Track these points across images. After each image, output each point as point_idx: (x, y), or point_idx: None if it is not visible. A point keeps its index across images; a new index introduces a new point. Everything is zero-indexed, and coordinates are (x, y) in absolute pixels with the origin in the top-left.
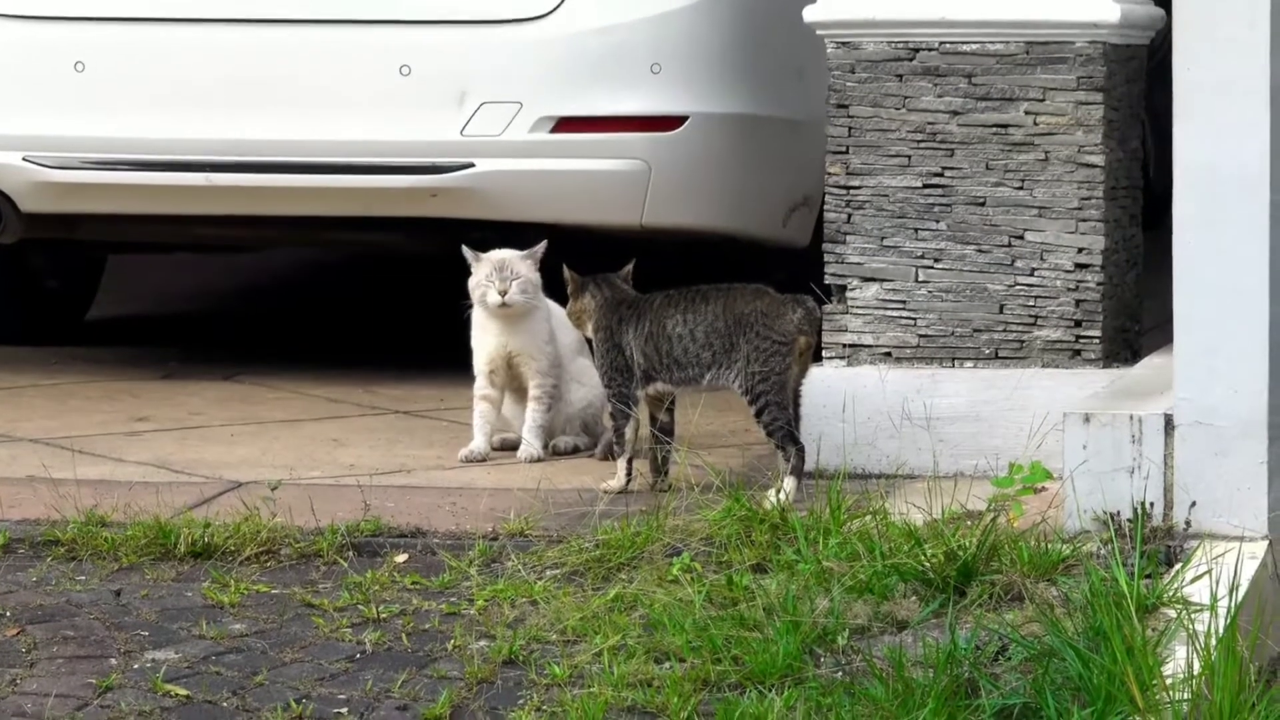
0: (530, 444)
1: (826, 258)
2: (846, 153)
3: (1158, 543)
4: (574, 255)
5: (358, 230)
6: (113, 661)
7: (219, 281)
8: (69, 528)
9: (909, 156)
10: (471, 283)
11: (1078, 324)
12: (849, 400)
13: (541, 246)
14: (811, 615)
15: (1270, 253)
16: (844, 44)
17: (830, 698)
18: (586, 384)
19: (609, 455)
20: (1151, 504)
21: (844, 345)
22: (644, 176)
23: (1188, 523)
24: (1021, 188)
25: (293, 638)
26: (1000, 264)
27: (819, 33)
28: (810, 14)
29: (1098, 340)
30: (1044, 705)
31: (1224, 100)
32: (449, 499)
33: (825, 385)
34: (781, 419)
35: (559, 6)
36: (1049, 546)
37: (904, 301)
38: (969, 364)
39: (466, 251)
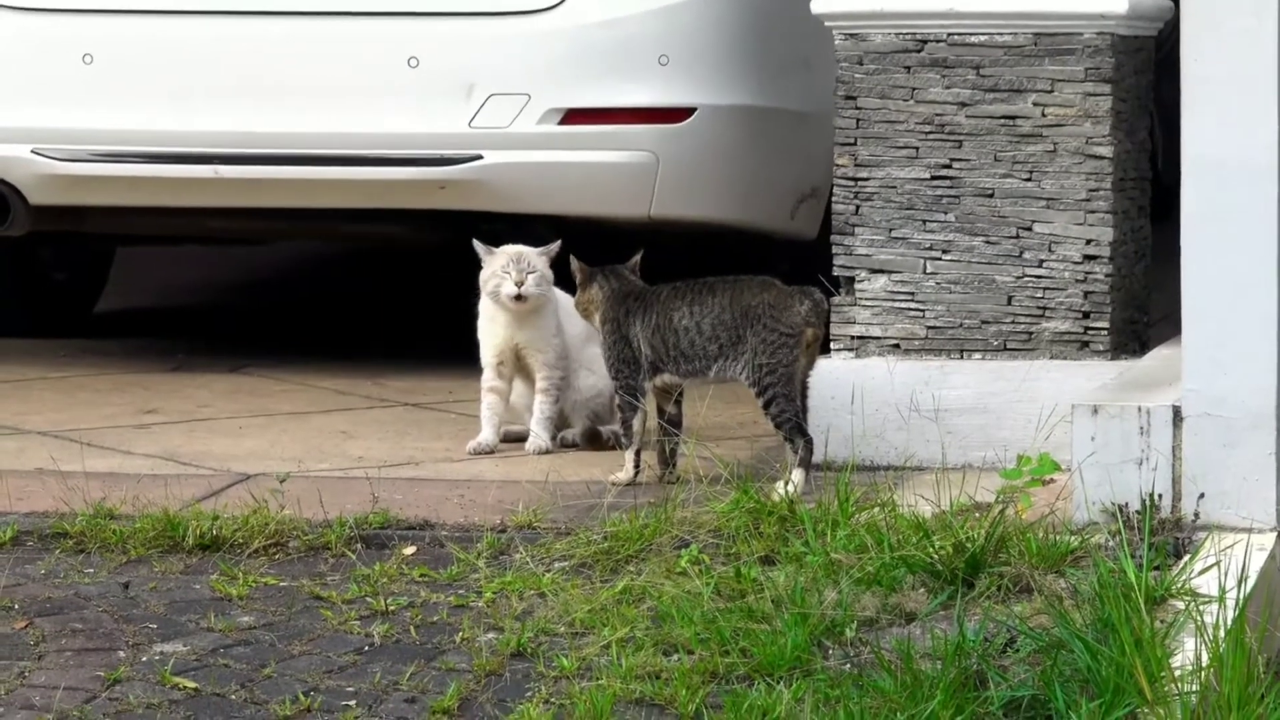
0: (538, 436)
1: (834, 249)
2: (854, 144)
3: (1166, 534)
4: (581, 247)
5: (365, 222)
6: (121, 654)
7: (226, 274)
8: (77, 520)
9: (917, 148)
10: (484, 275)
11: (1086, 316)
12: (857, 392)
13: (556, 245)
14: (820, 607)
15: (1279, 244)
16: (852, 35)
17: (838, 689)
18: (597, 372)
19: (597, 441)
20: (1160, 496)
21: (852, 337)
22: (652, 168)
23: (1196, 514)
24: (1030, 179)
25: (301, 630)
26: (1008, 255)
27: (827, 24)
28: (818, 5)
29: (1106, 332)
30: (1052, 697)
31: (1232, 92)
32: (457, 491)
33: (833, 377)
34: (789, 411)
35: None
36: (1057, 538)
37: (912, 293)
38: (977, 356)
39: (478, 245)
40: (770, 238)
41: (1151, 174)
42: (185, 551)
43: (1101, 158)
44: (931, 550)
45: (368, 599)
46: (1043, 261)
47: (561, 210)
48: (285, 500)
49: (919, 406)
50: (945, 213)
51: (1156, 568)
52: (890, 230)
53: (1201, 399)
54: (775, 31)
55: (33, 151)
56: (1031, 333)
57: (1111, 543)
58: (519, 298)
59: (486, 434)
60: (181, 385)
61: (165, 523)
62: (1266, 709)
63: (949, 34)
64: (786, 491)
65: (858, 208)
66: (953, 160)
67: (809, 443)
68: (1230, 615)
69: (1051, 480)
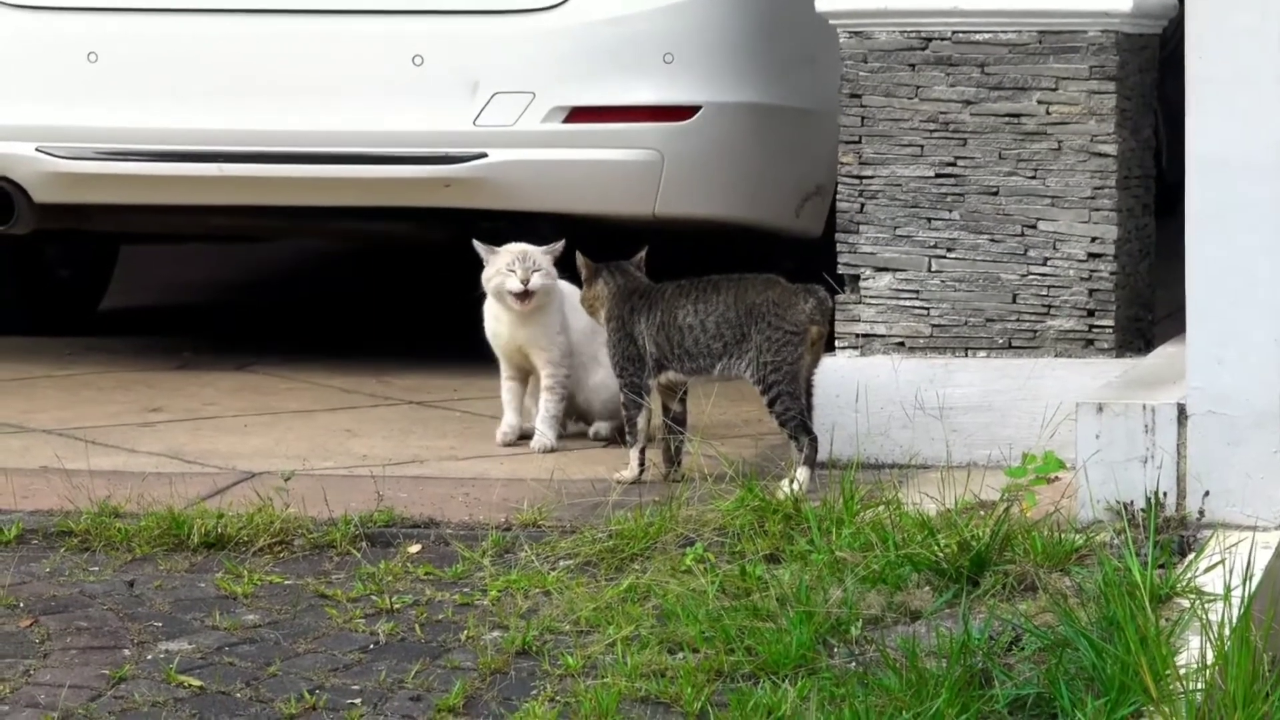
0: (543, 434)
1: (839, 247)
2: (859, 142)
3: (1171, 532)
4: (585, 245)
5: (370, 220)
6: (126, 652)
7: (231, 272)
8: (82, 518)
9: (922, 146)
10: (487, 273)
11: (1091, 313)
12: (862, 390)
13: (560, 244)
14: (825, 605)
15: None
16: (857, 33)
17: (844, 688)
18: (605, 363)
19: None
20: (1165, 494)
21: (857, 335)
22: (657, 166)
23: (1201, 512)
24: (1034, 177)
25: (306, 628)
26: (1013, 253)
27: (831, 22)
28: (823, 3)
29: (1110, 330)
30: (1057, 695)
31: (1236, 90)
32: (462, 489)
33: (838, 375)
34: (794, 409)
35: None
36: (1062, 536)
37: (917, 291)
38: (982, 354)
39: (478, 245)
40: (775, 236)
41: (1155, 171)
42: (190, 550)
43: (1106, 156)
44: (936, 548)
45: (373, 597)
46: (1047, 259)
47: (566, 208)
48: (290, 498)
49: (924, 404)
50: (950, 211)
51: (1161, 566)
52: (895, 228)
53: (1206, 397)
54: (780, 29)
55: (37, 149)
56: (1036, 331)
57: (1116, 541)
58: (525, 296)
59: (509, 418)
60: (186, 383)
61: (170, 521)
62: (1271, 707)
63: (953, 32)
64: (791, 490)
65: (862, 206)
66: (957, 158)
67: (814, 441)
68: (1235, 613)
69: (1056, 478)
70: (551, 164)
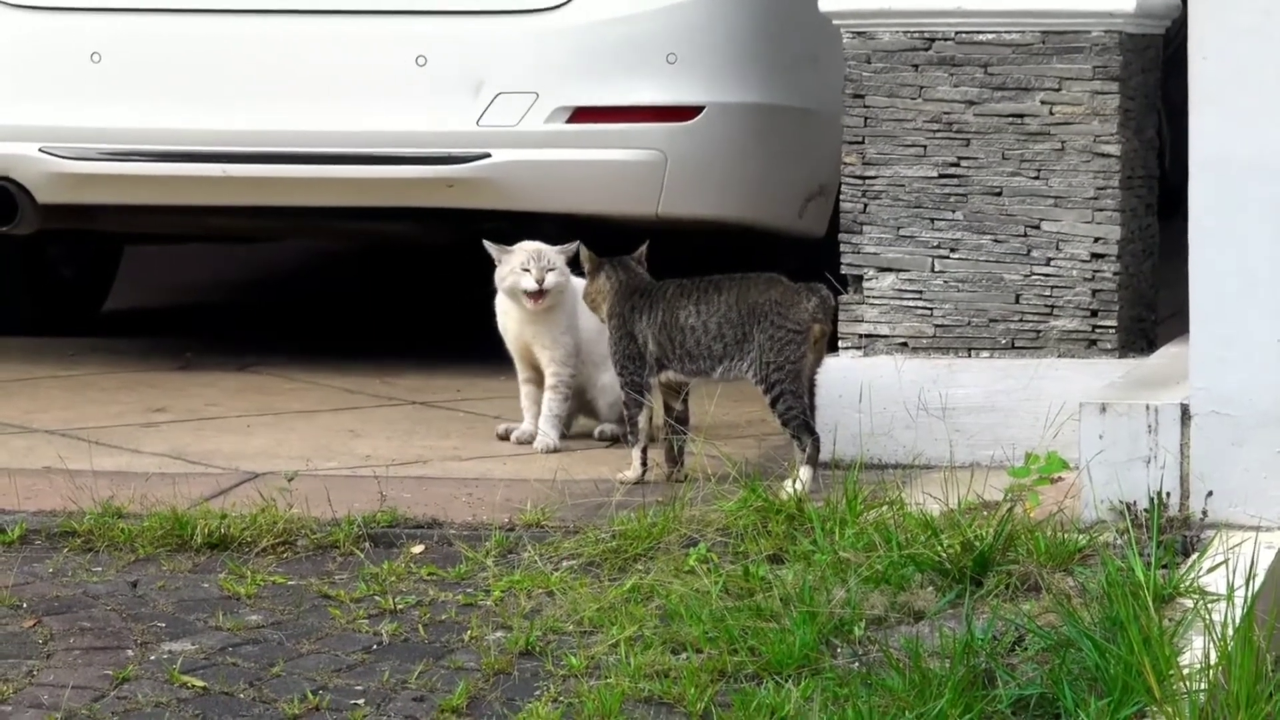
0: (546, 434)
1: (842, 248)
2: (862, 142)
3: (1174, 533)
4: (588, 245)
5: (373, 221)
6: (129, 653)
7: (234, 272)
8: (85, 519)
9: (925, 146)
10: (500, 272)
11: (1094, 314)
12: (865, 390)
13: (575, 245)
14: (828, 606)
15: None
16: (860, 34)
17: (847, 688)
18: None
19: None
20: (1168, 494)
21: (860, 335)
22: (660, 166)
23: (1204, 513)
24: (1038, 177)
25: (309, 629)
26: (1016, 254)
27: (835, 22)
28: (826, 4)
29: (1114, 330)
30: (1061, 695)
31: (1239, 89)
32: (465, 490)
33: (841, 375)
34: (797, 408)
35: None
36: (1065, 537)
37: (920, 291)
38: (985, 354)
39: (489, 245)
40: (778, 236)
41: (1159, 171)
42: (193, 550)
43: (1109, 156)
44: (940, 549)
45: (376, 597)
46: (1050, 260)
47: (569, 209)
48: (293, 499)
49: (927, 405)
50: (953, 211)
51: (1165, 566)
52: (898, 228)
53: (1209, 397)
54: (783, 29)
55: (40, 150)
56: (1039, 331)
57: (1119, 541)
58: (539, 294)
59: (526, 423)
60: (189, 384)
61: (173, 521)
62: (1275, 707)
63: (957, 32)
64: (794, 490)
65: (865, 206)
66: (960, 159)
67: (816, 441)
68: (1239, 613)
69: (1059, 478)
70: (555, 164)
